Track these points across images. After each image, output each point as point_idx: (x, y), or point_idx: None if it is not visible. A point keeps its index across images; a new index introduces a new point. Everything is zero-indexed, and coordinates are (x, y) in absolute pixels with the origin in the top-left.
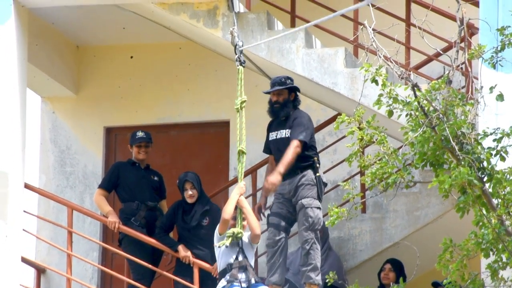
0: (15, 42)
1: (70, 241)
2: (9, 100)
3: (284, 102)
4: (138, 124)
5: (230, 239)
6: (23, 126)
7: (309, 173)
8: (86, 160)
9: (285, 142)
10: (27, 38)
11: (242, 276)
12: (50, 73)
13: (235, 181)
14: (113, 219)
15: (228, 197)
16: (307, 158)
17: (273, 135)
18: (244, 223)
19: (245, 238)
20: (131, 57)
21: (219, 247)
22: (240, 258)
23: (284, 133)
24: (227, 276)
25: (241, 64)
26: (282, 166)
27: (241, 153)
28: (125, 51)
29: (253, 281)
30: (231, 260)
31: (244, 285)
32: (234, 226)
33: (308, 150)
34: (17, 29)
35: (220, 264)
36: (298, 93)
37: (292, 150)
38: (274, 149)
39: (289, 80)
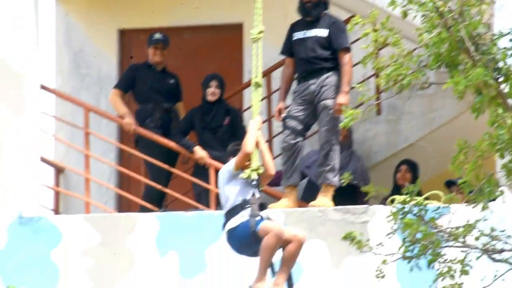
0: None
1: (87, 141)
2: (22, 2)
3: (317, 2)
4: (152, 26)
5: (253, 174)
6: (37, 28)
7: (334, 75)
8: (100, 62)
9: (317, 40)
10: None
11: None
12: None
13: (249, 83)
14: (128, 121)
15: (242, 101)
16: (333, 60)
17: (299, 34)
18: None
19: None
20: None
21: (246, 180)
22: (257, 195)
23: (315, 32)
24: (249, 211)
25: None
26: (346, 86)
27: (256, 85)
28: None
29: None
30: (248, 196)
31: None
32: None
33: (335, 52)
34: None
35: (231, 199)
36: None
37: (348, 64)
38: (300, 47)
39: None
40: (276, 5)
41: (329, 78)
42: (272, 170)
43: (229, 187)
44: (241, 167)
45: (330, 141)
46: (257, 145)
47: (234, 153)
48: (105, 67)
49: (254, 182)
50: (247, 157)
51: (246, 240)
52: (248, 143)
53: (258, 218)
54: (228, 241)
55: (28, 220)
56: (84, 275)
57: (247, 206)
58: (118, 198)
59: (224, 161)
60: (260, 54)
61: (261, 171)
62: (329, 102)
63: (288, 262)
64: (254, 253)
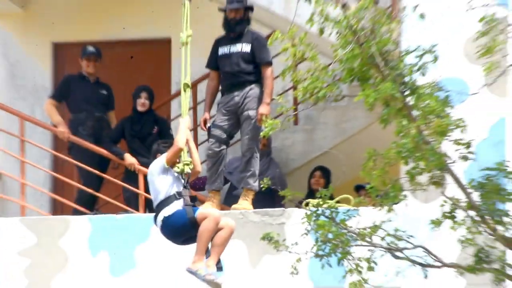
0: None
1: (22, 149)
2: None
3: (241, 19)
4: (85, 40)
5: (186, 167)
6: None
7: (256, 87)
8: (35, 73)
9: (241, 55)
10: None
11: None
12: None
13: (176, 94)
14: (62, 129)
15: (170, 111)
16: (256, 74)
17: (224, 49)
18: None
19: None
20: None
21: (180, 172)
22: (188, 188)
23: (239, 47)
24: (181, 202)
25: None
26: (268, 97)
27: (186, 86)
28: None
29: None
30: (180, 189)
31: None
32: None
33: (258, 66)
34: None
35: (163, 191)
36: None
37: (270, 77)
38: (225, 62)
39: (245, 0)
40: (203, 20)
41: (252, 90)
42: (200, 167)
43: (160, 180)
44: (172, 162)
45: (251, 148)
46: (186, 142)
47: (160, 151)
48: (39, 79)
49: (186, 176)
50: (179, 152)
51: (182, 227)
52: (180, 140)
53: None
54: (162, 230)
55: None
56: (20, 274)
57: (180, 197)
58: (52, 202)
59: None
60: (189, 57)
61: (191, 166)
62: (251, 112)
63: (219, 247)
64: (185, 241)
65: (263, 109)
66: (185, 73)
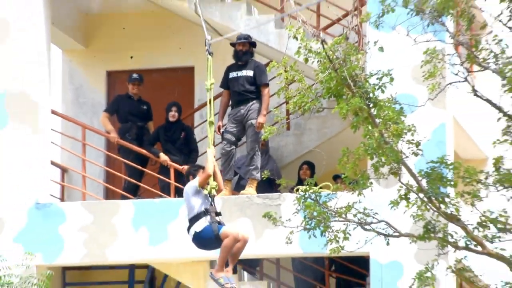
0: (42, 7)
1: (84, 150)
2: (38, 51)
3: (246, 51)
4: (130, 69)
5: (213, 190)
6: (49, 69)
7: (257, 103)
8: (93, 94)
9: (245, 78)
10: (50, 7)
11: (217, 218)
12: (68, 33)
13: (198, 108)
14: (113, 135)
15: (193, 121)
16: (257, 92)
17: (233, 74)
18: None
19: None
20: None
21: (209, 195)
22: (213, 205)
23: (245, 72)
24: (209, 218)
25: (209, 54)
26: (264, 109)
27: (211, 123)
28: (121, 18)
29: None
30: (208, 206)
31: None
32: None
33: (258, 87)
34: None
35: (196, 208)
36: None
37: (267, 95)
38: (234, 83)
39: (250, 38)
40: (218, 54)
41: (254, 105)
42: (222, 187)
43: (194, 199)
44: (203, 185)
45: (254, 148)
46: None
47: (191, 174)
48: (96, 98)
49: (213, 196)
50: (209, 178)
51: (209, 241)
52: (209, 167)
53: (217, 224)
54: (194, 241)
55: (42, 205)
56: (80, 246)
57: (207, 213)
58: (105, 190)
59: (180, 163)
60: (213, 100)
61: (217, 188)
62: (253, 121)
63: (236, 255)
64: (211, 249)
65: (261, 119)
66: (210, 112)
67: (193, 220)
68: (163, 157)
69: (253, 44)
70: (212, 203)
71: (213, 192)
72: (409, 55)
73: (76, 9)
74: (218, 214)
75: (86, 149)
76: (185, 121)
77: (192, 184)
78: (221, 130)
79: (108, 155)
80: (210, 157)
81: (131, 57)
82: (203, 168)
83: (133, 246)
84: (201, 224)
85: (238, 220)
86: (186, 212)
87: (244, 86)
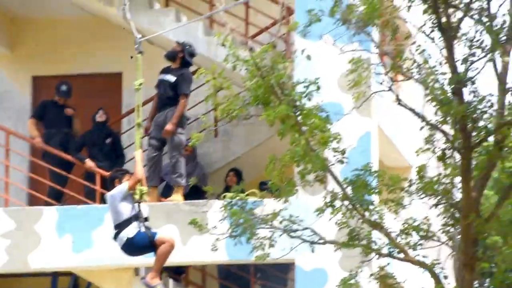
0: None
1: (7, 155)
2: None
3: (178, 55)
4: (56, 74)
5: (143, 195)
6: None
7: (173, 110)
8: (19, 99)
9: (168, 84)
10: None
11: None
12: None
13: (125, 114)
14: (38, 140)
15: (120, 127)
16: (176, 100)
17: (160, 76)
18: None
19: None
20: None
21: (138, 201)
22: (142, 211)
23: (168, 77)
24: (140, 224)
25: (139, 53)
26: (175, 118)
27: (138, 125)
28: (48, 23)
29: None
30: (135, 212)
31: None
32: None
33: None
34: None
35: (125, 214)
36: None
37: (182, 104)
38: (160, 85)
39: (191, 50)
40: (146, 58)
41: (170, 112)
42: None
43: (122, 204)
44: (132, 189)
45: (175, 155)
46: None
47: (117, 177)
48: (22, 103)
49: (143, 201)
50: (139, 181)
51: (143, 247)
52: (139, 171)
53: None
54: (124, 247)
55: None
56: (2, 252)
57: (138, 219)
58: (29, 196)
59: (106, 169)
60: (141, 101)
61: (146, 192)
62: (168, 128)
63: (163, 259)
64: (141, 255)
65: (169, 126)
66: (138, 114)
67: (121, 225)
68: (89, 163)
69: (190, 55)
70: (140, 209)
71: (144, 197)
72: (335, 64)
73: (1, 13)
74: (146, 219)
75: (10, 155)
76: (112, 127)
77: (121, 189)
78: (148, 133)
79: (33, 161)
80: (138, 160)
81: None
82: (128, 172)
83: (56, 253)
84: (132, 230)
85: (165, 227)
86: (111, 218)
87: (165, 91)
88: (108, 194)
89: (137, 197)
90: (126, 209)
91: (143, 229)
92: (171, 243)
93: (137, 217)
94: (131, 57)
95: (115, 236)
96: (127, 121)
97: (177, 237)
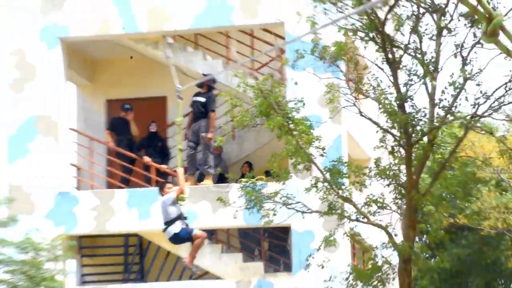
0: (61, 56)
1: (91, 155)
2: (57, 86)
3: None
4: (122, 97)
5: (184, 201)
6: (66, 98)
7: (204, 121)
8: (98, 116)
9: (200, 103)
10: (67, 55)
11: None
12: (79, 73)
13: (170, 125)
14: (111, 144)
15: (166, 134)
16: (206, 114)
17: (194, 98)
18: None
19: None
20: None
21: (180, 205)
22: (183, 212)
23: (199, 99)
24: (183, 223)
25: (180, 99)
26: (211, 128)
27: (180, 150)
28: (115, 62)
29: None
30: (179, 213)
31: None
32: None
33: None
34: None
35: (171, 214)
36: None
37: (212, 118)
38: (194, 105)
39: (213, 79)
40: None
41: (203, 122)
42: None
43: (171, 208)
44: (178, 197)
45: (206, 153)
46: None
47: (160, 187)
48: (100, 119)
49: (183, 205)
50: (182, 192)
51: (184, 239)
52: (182, 184)
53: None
54: (171, 239)
55: (64, 193)
56: (91, 220)
57: (181, 218)
58: (107, 182)
59: (158, 163)
60: (181, 132)
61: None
62: (203, 134)
63: (197, 248)
64: (181, 243)
65: (209, 135)
66: (179, 142)
67: (169, 223)
68: (146, 159)
69: (213, 82)
70: (181, 210)
71: (184, 202)
72: (315, 87)
73: (84, 56)
74: (185, 218)
75: (93, 154)
76: (160, 134)
77: (170, 197)
78: (187, 137)
79: (108, 158)
80: (180, 176)
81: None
82: (167, 183)
83: (126, 220)
84: (177, 227)
85: (199, 203)
86: (162, 216)
87: (198, 108)
88: (161, 200)
89: (180, 202)
90: (173, 211)
91: (184, 226)
92: (203, 237)
93: (180, 217)
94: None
95: (164, 230)
96: (170, 130)
97: (209, 210)
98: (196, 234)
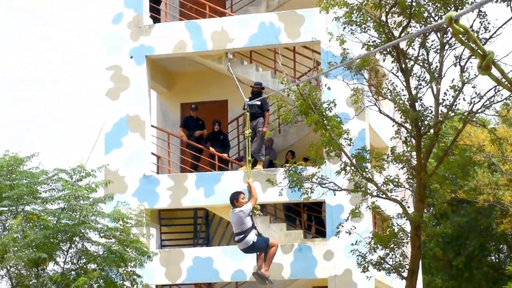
0: (146, 71)
1: (169, 146)
2: (143, 94)
3: (258, 91)
4: (192, 101)
5: (258, 211)
6: (149, 101)
7: (261, 119)
8: (173, 116)
9: (256, 105)
10: (151, 70)
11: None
12: (159, 82)
13: (231, 121)
14: (185, 138)
15: (227, 130)
16: (261, 113)
17: (251, 102)
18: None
19: None
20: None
21: (256, 214)
22: (255, 222)
23: (256, 102)
24: (256, 231)
25: (247, 111)
26: (267, 123)
27: (249, 162)
28: (187, 73)
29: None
30: (252, 222)
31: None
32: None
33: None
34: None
35: (247, 224)
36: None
37: (267, 116)
38: (251, 107)
39: (261, 84)
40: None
41: (260, 120)
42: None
43: (247, 218)
44: (254, 207)
45: (260, 144)
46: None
47: (234, 198)
48: (175, 118)
49: (257, 215)
50: (256, 200)
51: (261, 248)
52: (255, 194)
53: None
54: (246, 248)
55: (147, 176)
56: (167, 198)
57: (254, 228)
58: (180, 167)
59: (220, 152)
60: (249, 146)
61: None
62: (260, 129)
63: (272, 257)
64: (255, 252)
65: (265, 129)
66: (248, 155)
67: (245, 232)
68: (211, 149)
69: (261, 87)
70: (253, 221)
71: (258, 212)
72: (344, 91)
73: (163, 69)
74: (255, 227)
75: (170, 146)
76: (223, 130)
77: (247, 208)
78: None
79: (182, 149)
80: (253, 187)
81: (190, 92)
82: (240, 193)
83: (195, 197)
84: (253, 235)
85: (253, 183)
86: (235, 227)
87: (255, 109)
88: (236, 210)
89: (256, 211)
90: (249, 221)
91: (258, 235)
92: (277, 246)
93: (253, 226)
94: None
95: (240, 240)
96: (230, 127)
97: (259, 188)
98: (272, 243)
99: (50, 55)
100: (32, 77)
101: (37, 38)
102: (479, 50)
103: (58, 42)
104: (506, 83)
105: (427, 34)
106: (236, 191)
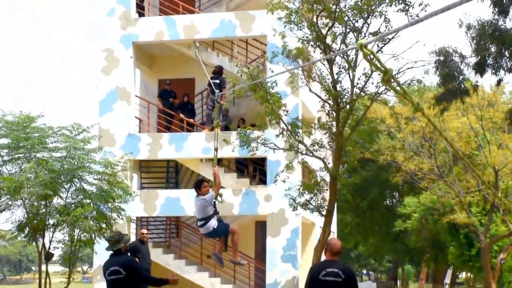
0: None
1: (148, 111)
2: (129, 72)
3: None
4: (167, 77)
5: (221, 198)
6: (134, 78)
7: (220, 93)
8: (152, 91)
9: (216, 83)
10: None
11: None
12: (143, 63)
13: (199, 94)
14: (160, 105)
15: (194, 101)
16: (220, 89)
17: (212, 80)
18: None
19: None
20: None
21: (219, 201)
22: (217, 208)
23: (215, 81)
24: (217, 217)
25: (217, 103)
26: (224, 98)
27: (215, 150)
28: (166, 56)
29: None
30: (215, 209)
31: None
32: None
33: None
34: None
35: (209, 211)
36: None
37: (224, 91)
38: (210, 84)
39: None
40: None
41: (219, 94)
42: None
43: (209, 207)
44: (217, 193)
45: (218, 112)
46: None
47: (197, 186)
48: (154, 90)
49: (218, 201)
50: (219, 188)
51: (221, 233)
52: (220, 183)
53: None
54: (208, 233)
55: (131, 135)
56: (146, 152)
57: (216, 214)
58: (157, 129)
59: (188, 118)
60: (217, 135)
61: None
62: (219, 101)
63: (237, 243)
64: (217, 237)
65: (222, 101)
66: (215, 142)
67: (208, 219)
68: (181, 115)
69: (221, 68)
70: (216, 207)
71: (220, 199)
72: (284, 74)
73: (146, 53)
74: (217, 213)
75: (149, 112)
76: (190, 101)
77: (211, 196)
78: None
79: (159, 114)
80: (219, 174)
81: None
82: (203, 181)
83: (168, 152)
84: (214, 222)
85: (211, 143)
86: (198, 213)
87: (215, 86)
88: (200, 197)
89: (219, 198)
90: (210, 209)
91: (219, 221)
92: (238, 232)
93: (215, 212)
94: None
95: (202, 225)
96: (196, 98)
97: (219, 147)
98: (232, 229)
99: (50, 55)
100: (32, 77)
101: (37, 38)
102: (382, 68)
103: (58, 42)
104: (398, 88)
105: (347, 33)
106: (199, 179)
